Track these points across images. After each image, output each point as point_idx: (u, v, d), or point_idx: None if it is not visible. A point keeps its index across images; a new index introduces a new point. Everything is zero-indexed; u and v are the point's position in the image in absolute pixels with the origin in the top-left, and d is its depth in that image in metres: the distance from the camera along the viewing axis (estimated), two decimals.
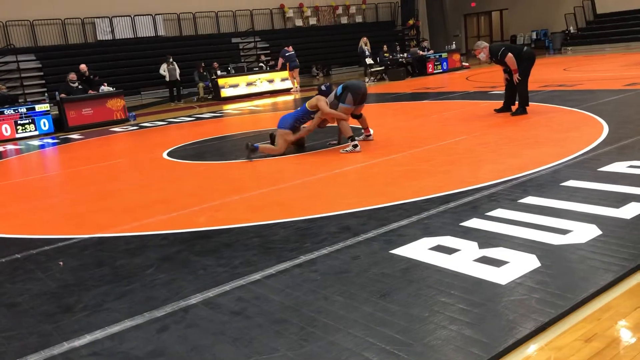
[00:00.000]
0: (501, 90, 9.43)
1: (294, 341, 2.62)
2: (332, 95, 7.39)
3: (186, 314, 3.01)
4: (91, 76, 15.27)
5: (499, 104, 9.15)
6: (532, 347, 2.41)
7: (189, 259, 3.84)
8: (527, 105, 8.60)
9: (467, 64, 21.66)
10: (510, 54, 8.31)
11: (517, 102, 8.66)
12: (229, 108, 15.69)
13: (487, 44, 8.79)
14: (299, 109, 7.51)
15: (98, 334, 2.88)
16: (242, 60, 22.64)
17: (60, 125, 13.54)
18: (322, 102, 7.22)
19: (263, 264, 3.60)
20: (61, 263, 4.04)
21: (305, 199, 5.17)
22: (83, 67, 15.22)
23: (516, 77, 8.38)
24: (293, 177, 6.04)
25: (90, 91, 14.46)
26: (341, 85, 7.41)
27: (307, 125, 7.45)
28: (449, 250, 3.48)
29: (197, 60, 19.48)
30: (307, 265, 3.51)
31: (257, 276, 3.42)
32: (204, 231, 4.46)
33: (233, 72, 18.72)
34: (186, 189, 6.07)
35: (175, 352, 2.63)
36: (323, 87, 7.85)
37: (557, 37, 26.22)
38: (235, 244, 4.07)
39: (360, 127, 7.77)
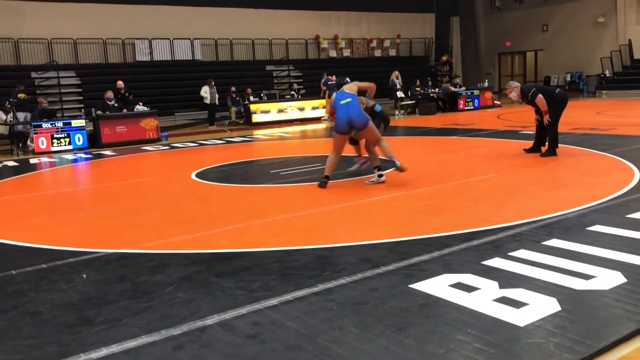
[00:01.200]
0: (532, 130, 9.37)
1: None
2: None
3: (202, 334, 3.03)
4: (126, 94, 15.66)
5: (529, 143, 9.09)
6: None
7: (209, 280, 3.88)
8: (557, 147, 8.53)
9: (498, 103, 21.61)
10: (540, 96, 8.28)
11: (547, 144, 8.59)
12: (259, 133, 15.89)
13: (518, 84, 8.79)
14: (348, 98, 6.86)
15: (115, 348, 2.92)
16: (275, 88, 22.98)
17: (94, 141, 13.88)
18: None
19: (281, 290, 3.62)
20: (84, 276, 4.11)
21: (326, 227, 5.19)
22: (120, 83, 15.65)
23: (546, 118, 8.34)
24: (316, 205, 6.07)
25: (124, 109, 14.83)
26: (379, 106, 7.70)
27: None
28: (469, 288, 3.45)
29: (233, 85, 19.82)
30: (324, 294, 3.51)
31: (274, 301, 3.43)
32: (225, 253, 4.50)
33: (265, 98, 19.01)
34: (211, 210, 6.14)
35: None
36: (376, 108, 7.74)
37: (591, 80, 26.01)
38: (255, 268, 4.10)
39: (355, 154, 7.89)
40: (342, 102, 6.89)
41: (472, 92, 20.38)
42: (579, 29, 27.33)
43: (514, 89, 8.68)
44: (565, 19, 27.91)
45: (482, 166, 7.97)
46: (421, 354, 2.70)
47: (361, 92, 7.31)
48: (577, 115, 15.44)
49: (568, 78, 27.86)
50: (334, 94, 7.18)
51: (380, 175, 6.99)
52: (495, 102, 21.41)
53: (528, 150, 8.88)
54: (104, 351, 2.89)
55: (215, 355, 2.79)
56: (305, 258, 4.25)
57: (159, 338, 3.01)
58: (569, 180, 6.64)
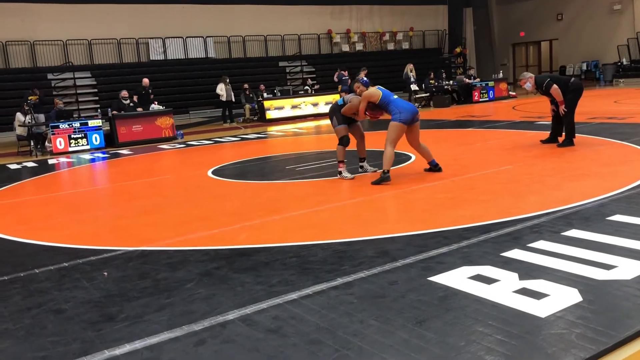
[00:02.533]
0: (548, 121, 9.29)
1: None
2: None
3: (223, 329, 3.06)
4: (149, 90, 15.78)
5: (545, 134, 9.01)
6: None
7: (228, 276, 3.91)
8: (574, 137, 8.44)
9: (514, 94, 21.43)
10: (555, 86, 8.20)
11: (563, 134, 8.51)
12: (274, 130, 15.93)
13: (532, 75, 8.70)
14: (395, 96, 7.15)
15: (138, 344, 2.95)
16: (288, 84, 23.00)
17: (110, 141, 14.02)
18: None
19: (300, 284, 3.63)
20: (105, 273, 4.17)
21: (343, 222, 5.19)
22: (146, 81, 15.81)
23: (562, 108, 8.26)
24: (332, 200, 6.08)
25: (139, 108, 14.95)
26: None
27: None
28: (489, 280, 3.44)
29: (247, 82, 19.87)
30: (343, 288, 3.52)
31: (294, 296, 3.45)
32: (244, 249, 4.53)
33: (279, 94, 19.04)
34: (228, 207, 6.18)
35: None
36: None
37: (608, 69, 25.67)
38: (273, 263, 4.12)
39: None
40: (394, 96, 7.02)
41: (487, 84, 20.23)
42: (594, 16, 26.97)
43: (528, 79, 8.59)
44: (580, 7, 27.56)
45: (498, 158, 7.92)
46: (442, 346, 2.69)
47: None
48: (594, 104, 15.26)
49: (584, 67, 27.54)
50: (378, 90, 7.03)
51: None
52: (510, 93, 21.24)
53: (545, 141, 8.80)
54: (127, 347, 2.93)
55: (237, 350, 2.82)
56: (323, 252, 4.26)
57: (181, 334, 3.05)
58: (587, 170, 6.58)
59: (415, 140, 7.13)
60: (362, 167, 7.59)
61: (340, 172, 7.26)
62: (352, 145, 7.45)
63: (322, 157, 9.18)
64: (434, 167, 7.14)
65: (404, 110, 6.81)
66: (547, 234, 4.26)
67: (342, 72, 19.30)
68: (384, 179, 6.59)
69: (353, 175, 7.22)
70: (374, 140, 9.11)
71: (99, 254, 4.69)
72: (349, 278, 3.67)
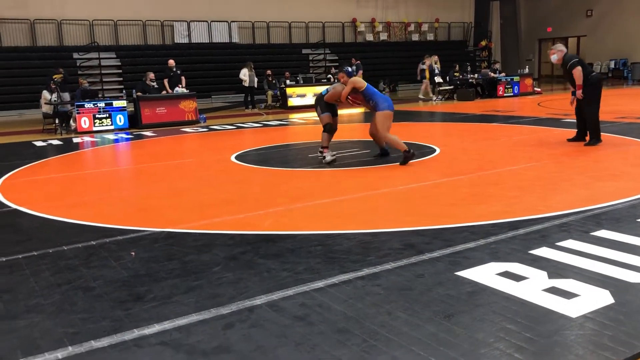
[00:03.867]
0: (574, 119, 9.15)
1: (356, 352, 2.63)
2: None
3: (251, 314, 3.08)
4: (178, 71, 15.80)
5: (572, 132, 8.89)
6: None
7: (254, 261, 3.92)
8: (599, 135, 8.29)
9: (539, 90, 21.15)
10: (579, 68, 8.08)
11: (588, 132, 8.37)
12: (295, 117, 15.91)
13: (564, 49, 8.55)
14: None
15: (167, 325, 2.98)
16: (311, 71, 22.93)
17: (134, 122, 14.12)
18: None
19: (326, 273, 3.64)
20: (133, 253, 4.21)
21: (368, 212, 5.18)
22: (171, 62, 15.86)
23: (579, 93, 8.14)
24: (356, 190, 6.06)
25: (164, 92, 15.00)
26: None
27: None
28: (517, 278, 3.41)
29: (269, 69, 19.86)
30: (370, 279, 3.52)
31: (320, 284, 3.46)
32: (269, 235, 4.55)
33: (301, 82, 19.00)
34: (252, 193, 6.20)
35: (240, 350, 2.69)
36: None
37: (637, 68, 25.23)
38: (298, 250, 4.13)
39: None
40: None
41: (512, 79, 19.98)
42: (625, 14, 26.46)
43: (558, 51, 8.45)
44: (611, 4, 27.04)
45: (524, 154, 7.83)
46: (471, 342, 2.68)
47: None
48: (622, 103, 15.02)
49: (612, 65, 27.09)
50: (359, 79, 7.75)
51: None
52: (536, 89, 20.95)
53: (572, 139, 8.68)
54: (156, 327, 2.96)
55: (265, 335, 2.83)
56: (348, 242, 4.26)
57: (209, 316, 3.07)
58: (616, 170, 6.48)
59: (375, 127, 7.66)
60: (321, 151, 7.89)
61: (323, 157, 7.70)
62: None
63: (343, 146, 9.15)
64: (383, 152, 7.92)
65: (387, 100, 7.58)
66: (576, 233, 4.21)
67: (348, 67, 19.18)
68: (408, 158, 7.20)
69: (334, 156, 7.71)
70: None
71: (126, 233, 4.74)
72: (375, 269, 3.67)
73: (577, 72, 8.08)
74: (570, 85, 8.57)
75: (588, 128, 8.36)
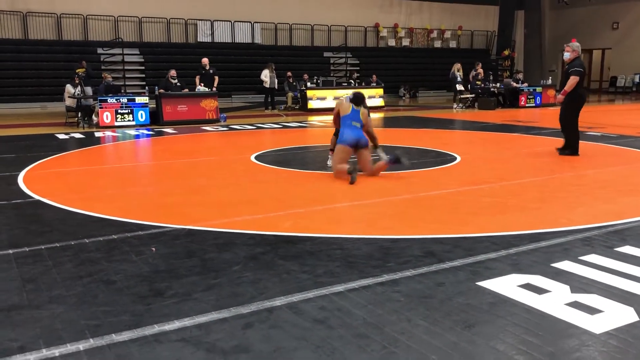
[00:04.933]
0: (598, 132, 9.08)
1: (375, 358, 2.62)
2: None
3: (270, 315, 3.08)
4: (211, 70, 15.90)
5: (596, 145, 8.79)
6: None
7: (274, 262, 3.93)
8: (577, 147, 8.48)
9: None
10: (578, 79, 8.23)
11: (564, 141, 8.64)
12: (315, 120, 15.93)
13: (579, 52, 8.56)
14: (358, 123, 7.12)
15: (187, 322, 3.00)
16: (332, 74, 22.95)
17: (155, 119, 14.24)
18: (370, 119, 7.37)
19: (346, 277, 3.63)
20: (154, 249, 4.24)
21: (388, 218, 5.16)
22: (205, 60, 15.96)
23: (560, 98, 8.37)
24: (376, 195, 6.05)
25: (186, 90, 15.11)
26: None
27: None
28: (539, 290, 3.37)
29: (290, 70, 19.91)
30: (390, 285, 3.50)
31: (340, 288, 3.45)
32: (289, 236, 4.55)
33: (320, 84, 19.03)
34: (272, 193, 6.21)
35: (259, 350, 2.70)
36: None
37: None
38: (318, 253, 4.12)
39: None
40: (353, 123, 7.08)
41: (534, 89, 19.82)
42: None
43: (573, 51, 8.47)
44: (638, 17, 26.70)
45: (546, 166, 7.76)
46: (492, 353, 2.66)
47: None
48: None
49: (637, 79, 26.74)
50: (346, 105, 7.21)
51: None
52: (558, 100, 20.74)
53: (561, 150, 8.73)
54: (177, 324, 2.98)
55: (284, 336, 2.83)
56: (368, 247, 4.25)
57: (229, 315, 3.08)
58: None
59: (365, 165, 7.08)
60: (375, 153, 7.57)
61: (329, 159, 7.63)
62: None
63: None
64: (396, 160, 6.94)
65: (344, 135, 7.03)
66: (599, 248, 4.16)
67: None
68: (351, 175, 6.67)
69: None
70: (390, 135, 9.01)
71: (147, 229, 4.77)
72: (395, 275, 3.65)
73: (574, 81, 8.26)
74: (560, 86, 8.80)
75: (565, 137, 8.59)
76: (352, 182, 6.58)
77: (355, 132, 7.07)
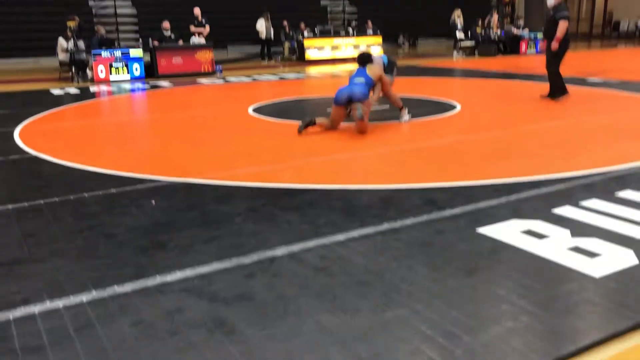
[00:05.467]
0: (599, 78, 8.95)
1: (376, 305, 2.64)
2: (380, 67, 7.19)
3: (272, 264, 3.09)
4: (203, 20, 15.60)
5: (595, 91, 8.69)
6: (625, 344, 2.32)
7: (274, 213, 3.92)
8: (564, 86, 8.47)
9: None
10: (567, 23, 8.13)
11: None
12: (313, 70, 15.70)
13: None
14: (362, 78, 6.75)
15: (189, 272, 3.01)
16: (329, 23, 22.47)
17: (150, 72, 14.02)
18: (385, 75, 7.01)
19: (346, 226, 3.63)
20: (153, 202, 4.23)
21: (389, 168, 5.14)
22: (197, 10, 15.61)
23: (555, 45, 8.21)
24: (376, 145, 6.00)
25: (180, 41, 14.82)
26: (385, 57, 7.64)
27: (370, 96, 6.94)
28: (540, 236, 3.38)
29: (286, 19, 19.48)
30: (390, 234, 3.51)
31: (340, 237, 3.45)
32: (288, 188, 4.53)
33: (319, 34, 18.66)
34: (271, 145, 6.16)
35: (262, 299, 2.71)
36: (384, 60, 7.59)
37: None
38: (318, 204, 4.12)
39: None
40: (356, 79, 6.76)
41: (536, 36, 19.46)
42: None
43: None
44: None
45: (547, 112, 7.68)
46: (493, 298, 2.68)
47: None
48: None
49: None
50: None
51: (409, 113, 7.17)
52: None
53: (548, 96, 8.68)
54: (179, 274, 2.99)
55: (287, 284, 2.85)
56: (368, 197, 4.24)
57: (230, 265, 3.09)
58: None
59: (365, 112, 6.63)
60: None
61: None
62: None
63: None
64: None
65: (338, 92, 6.68)
66: (600, 193, 4.14)
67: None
68: (302, 126, 6.62)
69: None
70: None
71: (145, 182, 4.75)
72: (396, 224, 3.65)
73: (563, 25, 8.13)
74: (545, 33, 8.62)
75: (551, 82, 8.53)
76: (299, 131, 6.61)
77: (350, 87, 6.67)
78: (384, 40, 20.19)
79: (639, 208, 3.81)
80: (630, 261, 3.02)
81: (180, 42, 14.74)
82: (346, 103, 6.64)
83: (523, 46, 18.97)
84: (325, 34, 18.96)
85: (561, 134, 6.26)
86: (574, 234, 3.39)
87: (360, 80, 6.75)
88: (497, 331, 2.39)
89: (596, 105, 8.22)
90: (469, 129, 6.66)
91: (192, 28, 15.21)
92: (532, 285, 2.79)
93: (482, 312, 2.55)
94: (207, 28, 15.47)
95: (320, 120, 6.79)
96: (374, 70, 6.90)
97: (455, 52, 18.92)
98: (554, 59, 8.40)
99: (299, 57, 18.33)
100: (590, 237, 3.34)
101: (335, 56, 18.22)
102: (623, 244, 3.23)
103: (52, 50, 15.05)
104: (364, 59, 7.04)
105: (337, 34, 19.40)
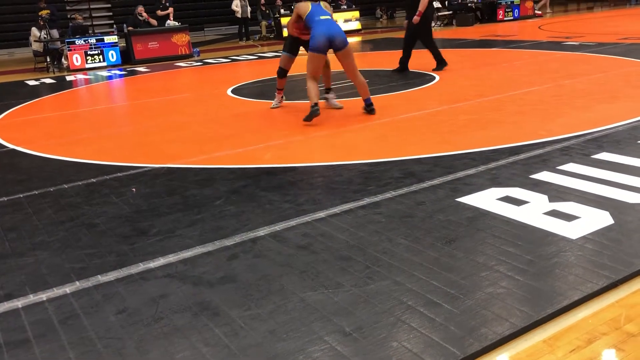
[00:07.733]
0: (576, 41, 8.97)
1: (359, 278, 2.67)
2: None
3: (254, 245, 3.11)
4: (167, 3, 15.38)
5: (574, 55, 8.72)
6: (603, 303, 2.38)
7: (256, 194, 3.93)
8: (442, 57, 8.76)
9: (539, 12, 20.60)
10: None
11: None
12: None
13: None
14: (327, 15, 6.09)
15: (171, 258, 3.02)
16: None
17: (127, 58, 13.83)
18: None
19: (327, 203, 3.65)
20: (134, 189, 4.22)
21: (368, 143, 5.15)
22: None
23: (417, 19, 8.49)
24: (355, 121, 6.01)
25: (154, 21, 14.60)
26: None
27: None
28: (518, 202, 3.43)
29: None
30: (371, 208, 3.54)
31: (322, 214, 3.48)
32: (270, 168, 4.54)
33: None
34: (251, 126, 6.14)
35: (245, 279, 2.74)
36: None
37: None
38: (299, 182, 4.13)
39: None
40: (322, 17, 6.01)
41: (512, 2, 19.41)
42: None
43: None
44: None
45: (525, 79, 7.71)
46: (472, 265, 2.72)
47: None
48: (624, 24, 14.68)
49: None
50: (308, 5, 6.11)
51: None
52: (536, 12, 20.41)
53: (396, 70, 8.97)
54: (162, 261, 3.00)
55: (269, 264, 2.87)
56: (348, 173, 4.26)
57: (213, 248, 3.10)
58: (618, 92, 6.39)
59: (348, 71, 6.24)
60: (326, 98, 6.78)
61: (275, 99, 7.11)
62: None
63: (343, 76, 8.99)
64: (367, 108, 6.21)
65: (314, 35, 5.91)
66: (577, 156, 4.20)
67: None
68: (312, 114, 5.84)
69: (279, 104, 7.07)
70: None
71: (126, 170, 4.73)
72: (376, 198, 3.68)
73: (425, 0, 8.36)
74: (405, 8, 8.91)
75: (433, 54, 8.79)
76: (306, 119, 5.85)
77: (327, 25, 5.93)
78: (361, 14, 20.04)
79: (614, 169, 3.87)
80: (606, 221, 3.08)
81: (154, 22, 14.50)
82: (326, 49, 6.04)
83: (500, 13, 18.92)
84: None
85: (538, 100, 6.30)
86: (552, 198, 3.45)
87: (327, 17, 6.04)
88: (477, 297, 2.43)
89: (573, 68, 8.26)
90: (448, 99, 6.68)
91: (159, 12, 14.98)
92: (510, 250, 2.84)
93: (462, 280, 2.59)
94: (171, 10, 15.26)
95: (317, 96, 6.00)
96: (328, 6, 6.32)
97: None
98: (426, 34, 8.67)
99: (276, 35, 18.14)
100: (567, 201, 3.40)
101: None
102: (599, 205, 3.29)
103: (25, 42, 14.79)
104: None
105: None
